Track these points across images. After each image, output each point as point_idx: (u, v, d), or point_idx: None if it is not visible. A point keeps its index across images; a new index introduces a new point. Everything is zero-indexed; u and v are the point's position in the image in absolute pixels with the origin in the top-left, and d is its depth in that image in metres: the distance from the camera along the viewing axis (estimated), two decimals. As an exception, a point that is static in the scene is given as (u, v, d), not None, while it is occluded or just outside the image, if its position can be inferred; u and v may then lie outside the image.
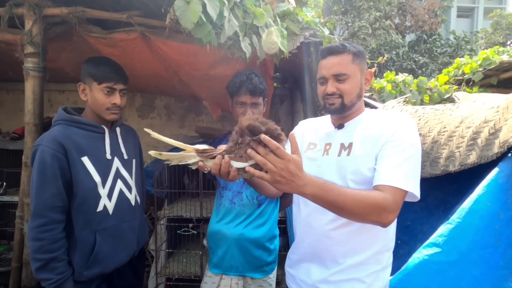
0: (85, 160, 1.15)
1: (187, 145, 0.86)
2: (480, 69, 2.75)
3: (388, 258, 1.07)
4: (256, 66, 1.75)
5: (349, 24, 7.49)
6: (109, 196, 1.20)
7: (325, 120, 1.12)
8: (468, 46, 8.84)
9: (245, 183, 1.35)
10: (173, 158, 0.89)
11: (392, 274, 1.12)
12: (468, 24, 15.40)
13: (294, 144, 0.78)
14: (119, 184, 1.24)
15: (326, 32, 1.58)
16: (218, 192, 1.47)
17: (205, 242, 1.93)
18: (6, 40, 1.44)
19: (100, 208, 1.17)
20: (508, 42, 11.23)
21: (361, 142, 0.98)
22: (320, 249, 1.01)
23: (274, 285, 1.48)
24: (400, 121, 0.96)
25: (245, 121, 0.75)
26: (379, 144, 0.94)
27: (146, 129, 1.04)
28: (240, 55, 1.32)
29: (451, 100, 2.71)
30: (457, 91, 2.84)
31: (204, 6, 1.01)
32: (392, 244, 1.08)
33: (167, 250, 2.23)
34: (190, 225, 2.11)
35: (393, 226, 1.07)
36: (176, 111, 3.07)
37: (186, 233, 2.12)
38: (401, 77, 2.96)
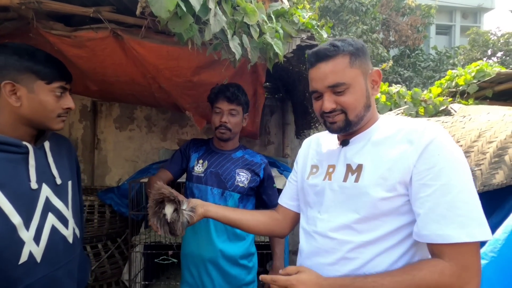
0: None
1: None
2: (475, 81, 2.69)
3: None
4: (246, 73, 1.56)
5: (337, 37, 7.56)
6: (36, 239, 0.87)
7: (330, 135, 0.90)
8: (451, 61, 9.13)
9: (222, 198, 1.30)
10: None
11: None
12: (447, 41, 16.09)
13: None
14: (51, 220, 0.92)
15: (324, 35, 1.42)
16: None
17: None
18: None
19: (24, 258, 0.83)
20: (485, 58, 11.75)
21: (373, 163, 0.74)
22: None
23: None
24: (428, 133, 0.70)
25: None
26: (402, 168, 0.69)
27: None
28: (228, 58, 1.13)
29: (446, 112, 2.62)
30: (452, 103, 2.76)
31: (184, -7, 0.81)
32: None
33: (143, 282, 1.94)
34: (170, 252, 1.85)
35: None
36: (158, 122, 2.84)
37: (165, 262, 1.85)
38: (395, 88, 2.87)
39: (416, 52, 9.77)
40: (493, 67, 2.86)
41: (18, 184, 0.85)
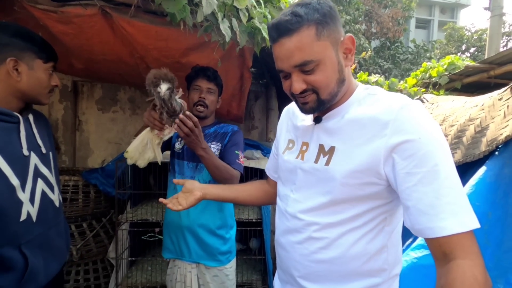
0: None
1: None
2: (446, 73, 2.87)
3: None
4: (233, 56, 1.61)
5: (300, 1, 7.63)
6: (31, 200, 0.97)
7: None
8: (428, 54, 9.49)
9: (197, 170, 1.38)
10: (137, 146, 1.03)
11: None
12: (425, 35, 16.62)
13: None
14: (40, 185, 1.02)
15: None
16: (171, 179, 1.44)
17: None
18: None
19: (23, 217, 0.94)
20: (459, 53, 12.30)
21: (345, 145, 0.70)
22: None
23: (232, 276, 1.45)
24: (405, 113, 0.63)
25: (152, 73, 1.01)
26: (374, 154, 0.64)
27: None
28: (218, 40, 1.18)
29: (420, 101, 2.80)
30: (425, 93, 2.94)
31: (179, -26, 0.85)
32: None
33: (130, 259, 2.00)
34: (157, 229, 1.91)
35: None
36: (142, 105, 2.82)
37: (152, 239, 1.92)
38: (374, 77, 3.01)
39: (396, 44, 10.06)
40: (464, 61, 3.07)
41: (13, 150, 0.94)
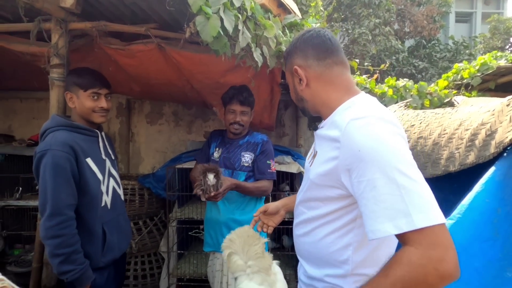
0: (89, 161, 1.27)
1: None
2: (478, 74, 2.84)
3: None
4: (264, 74, 1.85)
5: (349, 31, 7.63)
6: (107, 192, 1.33)
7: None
8: (467, 51, 8.97)
9: (233, 175, 1.65)
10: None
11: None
12: (467, 29, 15.56)
13: None
14: (112, 182, 1.38)
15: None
16: None
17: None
18: (32, 52, 1.54)
19: (103, 203, 1.30)
20: (507, 47, 11.36)
21: (320, 152, 0.81)
22: None
23: None
24: (348, 128, 0.71)
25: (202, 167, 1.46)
26: (331, 165, 0.74)
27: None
28: (252, 65, 1.41)
29: (450, 104, 2.80)
30: (456, 95, 2.93)
31: (221, 20, 1.10)
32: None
33: (179, 252, 2.30)
34: (201, 226, 2.18)
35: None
36: (184, 117, 3.17)
37: (197, 235, 2.19)
38: (402, 82, 3.06)
39: (433, 42, 9.64)
40: (507, 57, 2.96)
41: (97, 155, 1.33)
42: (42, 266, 1.58)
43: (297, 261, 1.15)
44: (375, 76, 2.64)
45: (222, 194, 1.42)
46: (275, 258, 2.03)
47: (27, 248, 2.39)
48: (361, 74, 3.24)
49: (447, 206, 1.61)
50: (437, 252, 0.60)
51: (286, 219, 2.19)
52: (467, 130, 1.33)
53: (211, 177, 1.41)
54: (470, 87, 2.92)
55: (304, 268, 0.91)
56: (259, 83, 1.93)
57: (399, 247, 0.67)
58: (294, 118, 3.18)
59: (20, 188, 2.45)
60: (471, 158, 1.25)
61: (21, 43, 1.56)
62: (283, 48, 1.46)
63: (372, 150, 0.66)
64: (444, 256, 0.60)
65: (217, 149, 1.71)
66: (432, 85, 3.23)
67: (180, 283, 2.26)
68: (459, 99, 2.70)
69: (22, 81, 2.38)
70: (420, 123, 1.78)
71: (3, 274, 2.44)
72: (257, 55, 1.33)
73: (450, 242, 0.62)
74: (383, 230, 0.63)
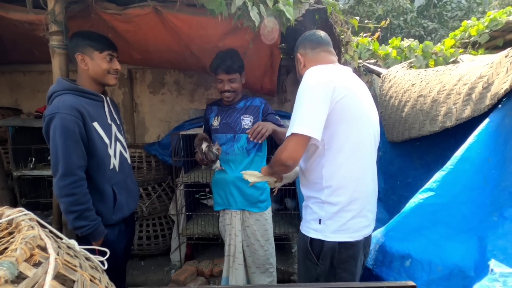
0: (96, 125, 1.30)
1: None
2: (487, 31, 2.74)
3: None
4: (264, 36, 1.82)
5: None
6: (115, 155, 1.39)
7: None
8: (480, 8, 8.48)
9: (235, 140, 1.72)
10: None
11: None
12: (482, -15, 14.53)
13: None
14: (119, 146, 1.43)
15: (330, -2, 1.63)
16: None
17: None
18: (30, 20, 1.54)
19: (111, 166, 1.36)
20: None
21: None
22: None
23: (270, 220, 1.79)
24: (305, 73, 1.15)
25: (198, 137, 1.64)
26: None
27: (242, 172, 1.45)
28: (249, 25, 1.40)
29: (455, 63, 2.74)
30: (462, 54, 2.85)
31: (215, -23, 1.09)
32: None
33: (187, 213, 2.43)
34: (207, 189, 2.29)
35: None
36: (186, 86, 3.17)
37: (204, 197, 2.31)
38: (406, 42, 2.98)
39: (444, 0, 9.09)
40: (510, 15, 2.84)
41: (103, 119, 1.36)
42: (62, 227, 1.71)
43: (299, 221, 1.31)
44: (377, 34, 2.56)
45: (264, 137, 1.53)
46: (278, 217, 2.15)
47: (45, 214, 2.55)
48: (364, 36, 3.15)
49: (443, 162, 1.66)
50: (283, 148, 1.10)
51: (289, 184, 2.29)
52: (465, 84, 1.33)
53: (204, 146, 1.57)
54: (477, 45, 2.83)
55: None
56: (258, 47, 1.91)
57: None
58: (296, 83, 3.16)
59: (33, 159, 2.56)
60: (467, 112, 1.26)
61: (19, 11, 1.55)
62: (281, 6, 1.43)
63: (301, 85, 1.11)
64: (284, 150, 1.08)
65: (216, 118, 1.75)
66: (439, 44, 3.13)
67: (189, 242, 2.43)
68: (465, 58, 2.64)
69: (23, 53, 2.38)
70: (421, 82, 1.77)
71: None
72: (254, 14, 1.31)
73: (291, 145, 1.07)
74: (288, 132, 1.09)
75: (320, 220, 1.13)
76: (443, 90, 1.51)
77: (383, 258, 1.26)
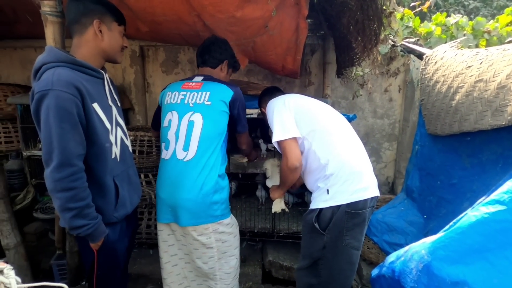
0: (96, 106, 1.07)
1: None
2: (556, 5, 2.28)
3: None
4: (288, 5, 1.54)
5: None
6: (116, 143, 1.17)
7: None
8: (533, -15, 7.53)
9: None
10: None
11: (434, 234, 1.02)
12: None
13: None
14: (119, 132, 1.21)
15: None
16: None
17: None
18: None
19: (113, 155, 1.15)
20: None
21: None
22: None
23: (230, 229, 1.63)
24: None
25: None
26: None
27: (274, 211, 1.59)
28: (273, -13, 1.13)
29: (513, 44, 2.32)
30: (522, 33, 2.42)
31: None
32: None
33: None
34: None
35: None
36: (201, 65, 2.94)
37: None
38: (454, 18, 2.56)
39: (489, -25, 8.14)
40: None
41: (103, 100, 1.14)
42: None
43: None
44: (427, 3, 2.17)
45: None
46: (297, 213, 2.00)
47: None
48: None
49: (505, 163, 1.35)
50: (283, 160, 1.36)
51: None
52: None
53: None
54: (541, 22, 2.39)
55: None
56: (282, 18, 1.63)
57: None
58: (321, 65, 2.85)
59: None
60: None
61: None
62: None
63: (268, 111, 1.51)
64: (284, 160, 1.34)
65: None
66: (491, 22, 2.69)
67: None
68: (526, 37, 2.22)
69: (28, 26, 2.22)
70: (481, 63, 1.44)
71: (32, 221, 2.55)
72: (279, -29, 1.04)
73: (287, 151, 1.33)
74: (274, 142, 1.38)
75: (328, 190, 1.29)
76: (516, 74, 1.19)
77: (428, 282, 1.02)
